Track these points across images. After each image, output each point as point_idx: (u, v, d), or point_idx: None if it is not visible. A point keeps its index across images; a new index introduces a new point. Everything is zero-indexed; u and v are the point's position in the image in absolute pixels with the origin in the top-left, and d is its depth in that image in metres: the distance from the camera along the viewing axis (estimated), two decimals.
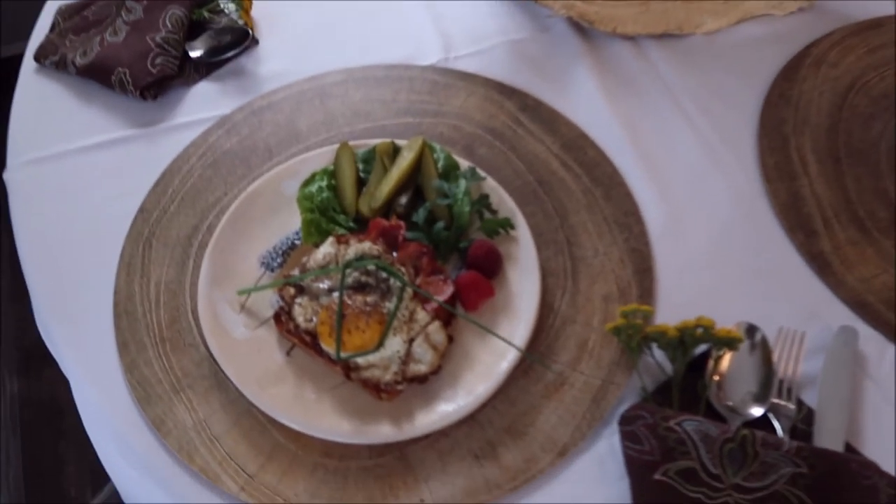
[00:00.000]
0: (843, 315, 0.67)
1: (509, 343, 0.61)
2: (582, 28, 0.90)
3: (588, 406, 0.61)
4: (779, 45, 0.89)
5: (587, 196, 0.75)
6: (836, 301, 0.68)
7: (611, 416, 0.61)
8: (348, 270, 0.63)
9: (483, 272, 0.66)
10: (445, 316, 0.63)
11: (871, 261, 0.70)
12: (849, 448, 0.59)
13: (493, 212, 0.70)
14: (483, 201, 0.69)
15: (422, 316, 0.62)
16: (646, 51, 0.89)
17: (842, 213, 0.74)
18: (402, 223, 0.66)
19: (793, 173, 0.77)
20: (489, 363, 0.62)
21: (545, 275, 0.69)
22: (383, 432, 0.59)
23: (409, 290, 0.62)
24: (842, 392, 0.61)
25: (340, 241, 0.66)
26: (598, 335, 0.65)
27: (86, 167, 0.78)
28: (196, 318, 0.66)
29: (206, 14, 0.89)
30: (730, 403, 0.60)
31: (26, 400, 1.58)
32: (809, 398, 0.62)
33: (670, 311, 0.67)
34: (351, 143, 0.75)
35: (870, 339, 0.66)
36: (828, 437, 0.58)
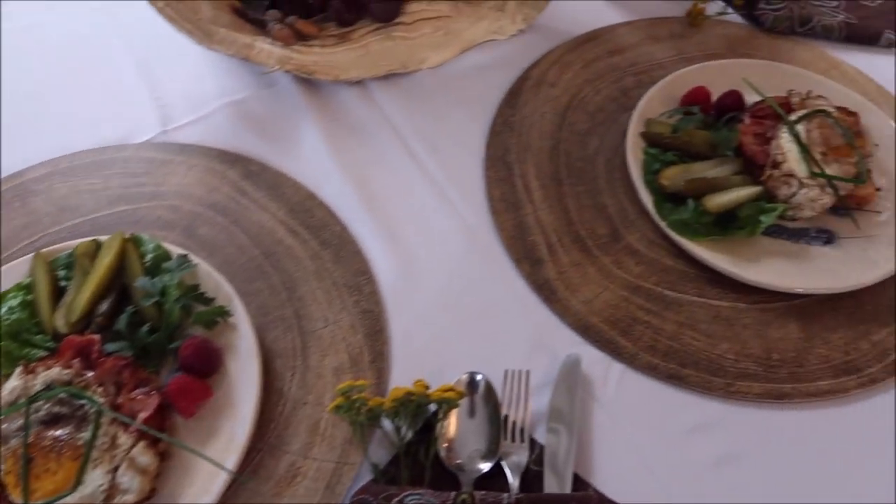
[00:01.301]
0: (570, 341, 0.69)
1: (217, 465, 0.57)
2: (306, 80, 0.87)
3: (322, 494, 0.59)
4: (503, 70, 0.91)
5: (316, 262, 0.72)
6: (564, 327, 0.69)
7: (347, 500, 0.59)
8: (37, 403, 0.57)
9: (197, 372, 0.62)
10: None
11: (593, 280, 0.72)
12: (577, 479, 0.60)
13: (208, 301, 0.66)
14: (192, 292, 0.65)
15: (124, 439, 0.57)
16: (372, 94, 0.88)
17: (564, 235, 0.75)
18: (95, 337, 0.61)
19: (518, 202, 0.78)
20: (210, 476, 0.58)
21: (273, 357, 0.66)
22: None
23: (106, 414, 0.57)
24: (568, 424, 0.62)
25: (28, 370, 0.60)
26: (330, 414, 0.63)
27: None
28: None
29: None
30: (459, 462, 0.59)
31: None
32: (542, 435, 0.62)
33: (405, 370, 0.66)
34: (50, 248, 0.69)
35: (596, 361, 0.67)
36: (556, 474, 0.59)
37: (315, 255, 0.73)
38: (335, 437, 0.62)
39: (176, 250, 0.69)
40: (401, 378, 0.65)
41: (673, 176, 0.76)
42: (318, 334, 0.67)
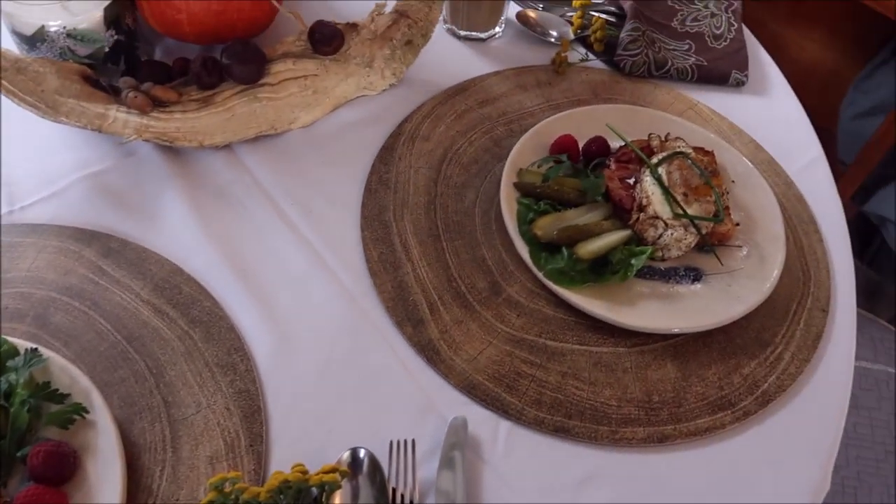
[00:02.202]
0: (457, 401, 0.68)
1: None
2: (170, 147, 0.83)
3: None
4: (376, 126, 0.90)
5: (185, 342, 0.68)
6: (450, 388, 0.68)
7: None
8: None
9: (51, 481, 0.56)
10: None
11: (475, 336, 0.72)
12: None
13: (62, 398, 0.60)
14: (43, 391, 0.60)
15: None
16: (241, 157, 0.85)
17: (445, 293, 0.75)
18: None
19: (397, 262, 0.77)
20: None
21: (140, 452, 0.61)
22: None
23: None
24: (456, 489, 0.60)
25: None
26: None
27: None
28: None
29: None
30: None
31: None
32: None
33: (286, 451, 0.63)
34: None
35: (483, 420, 0.67)
36: None
37: (184, 334, 0.69)
38: None
39: (24, 344, 0.63)
40: (281, 460, 0.62)
41: (546, 225, 0.77)
42: (189, 421, 0.63)
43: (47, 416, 0.59)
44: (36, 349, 0.62)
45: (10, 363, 0.61)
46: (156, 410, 0.64)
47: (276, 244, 0.77)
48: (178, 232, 0.77)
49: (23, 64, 0.78)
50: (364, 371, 0.69)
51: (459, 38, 1.04)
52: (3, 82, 0.75)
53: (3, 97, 0.74)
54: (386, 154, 0.87)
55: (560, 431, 0.66)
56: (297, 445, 0.63)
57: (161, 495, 0.59)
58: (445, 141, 0.90)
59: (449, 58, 1.01)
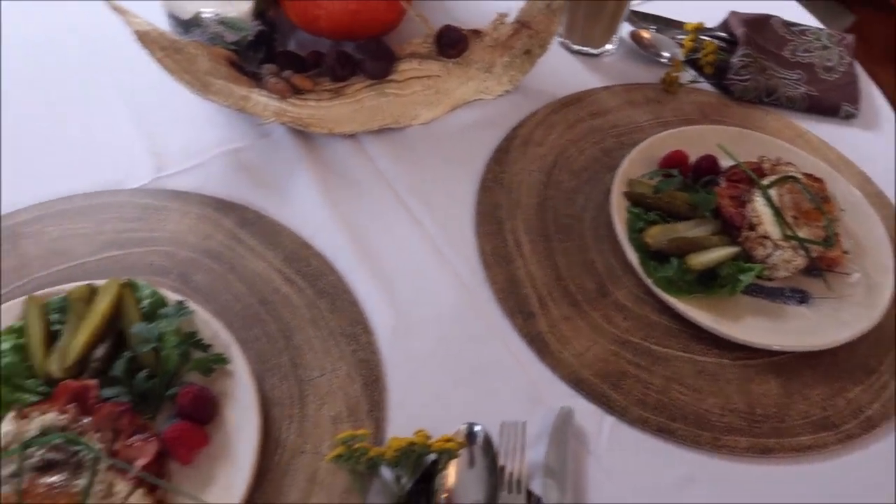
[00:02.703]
0: (563, 393, 0.70)
1: None
2: (301, 131, 0.89)
3: None
4: (491, 128, 0.94)
5: (312, 310, 0.73)
6: (557, 380, 0.71)
7: None
8: (30, 450, 0.56)
9: (195, 419, 0.61)
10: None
11: (583, 334, 0.74)
12: None
13: (206, 347, 0.66)
14: (191, 339, 0.65)
15: (121, 487, 0.56)
16: (365, 147, 0.90)
17: (554, 290, 0.78)
18: (91, 382, 0.60)
19: (509, 256, 0.80)
20: None
21: (270, 405, 0.66)
22: None
23: (103, 462, 0.56)
24: (563, 475, 0.63)
25: (22, 415, 0.58)
26: (328, 463, 0.63)
27: None
28: None
29: None
30: None
31: None
32: (538, 486, 0.63)
33: (402, 420, 0.67)
34: (43, 291, 0.68)
35: (588, 413, 0.69)
36: None
37: (311, 303, 0.73)
38: (334, 487, 0.62)
39: (172, 296, 0.69)
40: (397, 429, 0.66)
41: (656, 234, 0.79)
42: (315, 383, 0.68)
43: (193, 362, 0.64)
44: (183, 302, 0.68)
45: (160, 311, 0.67)
46: (285, 369, 0.68)
47: (396, 229, 0.82)
48: (307, 210, 0.82)
49: (180, 45, 0.84)
50: (476, 355, 0.72)
51: (572, 52, 1.08)
52: (166, 59, 0.81)
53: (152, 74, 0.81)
54: (500, 155, 0.91)
55: (663, 432, 0.68)
56: (412, 416, 0.67)
57: (289, 446, 0.64)
58: (557, 148, 0.93)
59: (561, 70, 1.05)
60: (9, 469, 0.56)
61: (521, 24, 0.97)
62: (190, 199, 0.81)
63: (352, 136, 0.90)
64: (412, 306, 0.75)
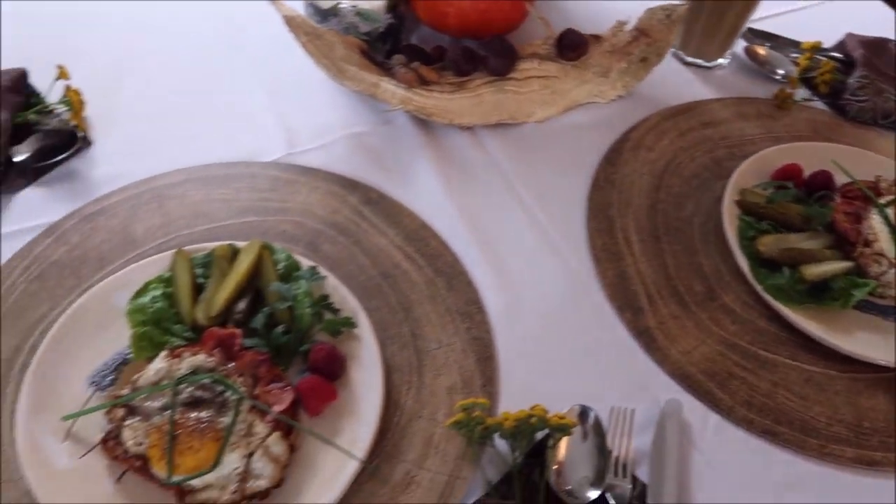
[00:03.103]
0: (669, 387, 0.72)
1: (348, 454, 0.60)
2: (421, 120, 0.93)
3: None
4: (603, 130, 0.97)
5: (430, 287, 0.77)
6: (663, 374, 0.73)
7: None
8: (181, 386, 0.61)
9: (325, 375, 0.65)
10: (286, 425, 0.62)
11: (691, 333, 0.76)
12: None
13: (335, 311, 0.70)
14: (324, 301, 0.69)
15: (260, 428, 0.60)
16: (482, 140, 0.93)
17: (663, 288, 0.79)
18: (237, 331, 0.65)
19: (619, 253, 0.82)
20: (333, 471, 0.61)
21: (391, 371, 0.69)
22: None
23: (245, 403, 0.61)
24: (670, 465, 0.65)
25: (173, 354, 0.64)
26: (443, 429, 0.66)
27: None
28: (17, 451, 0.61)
29: (32, 116, 0.86)
30: (568, 488, 0.62)
31: None
32: (643, 473, 0.65)
33: (512, 397, 0.69)
34: (189, 247, 0.73)
35: (693, 408, 0.70)
36: None
37: (430, 281, 0.77)
38: (448, 452, 0.65)
39: (305, 262, 0.73)
40: (507, 404, 0.69)
41: (769, 243, 0.80)
42: (432, 354, 0.71)
43: (325, 323, 0.69)
44: (315, 267, 0.72)
45: (295, 274, 0.72)
46: (405, 339, 0.72)
47: (510, 219, 0.85)
48: (426, 194, 0.86)
49: (320, 32, 0.90)
50: (583, 342, 0.75)
51: (685, 63, 1.09)
52: (309, 44, 0.87)
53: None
54: (613, 156, 0.93)
55: (768, 434, 0.69)
56: (522, 394, 0.69)
57: (407, 410, 0.67)
58: (668, 154, 0.95)
59: (672, 80, 1.07)
60: (160, 402, 0.61)
61: (640, 31, 0.99)
62: (318, 175, 0.86)
63: (469, 128, 0.94)
64: (523, 291, 0.78)
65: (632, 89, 1.02)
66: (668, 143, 0.96)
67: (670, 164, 0.93)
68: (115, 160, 0.86)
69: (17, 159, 0.82)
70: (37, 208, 0.80)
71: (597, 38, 1.00)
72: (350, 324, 0.69)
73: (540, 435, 0.65)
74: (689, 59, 1.09)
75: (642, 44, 0.99)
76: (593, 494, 0.62)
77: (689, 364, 0.73)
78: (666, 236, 0.85)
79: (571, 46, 0.97)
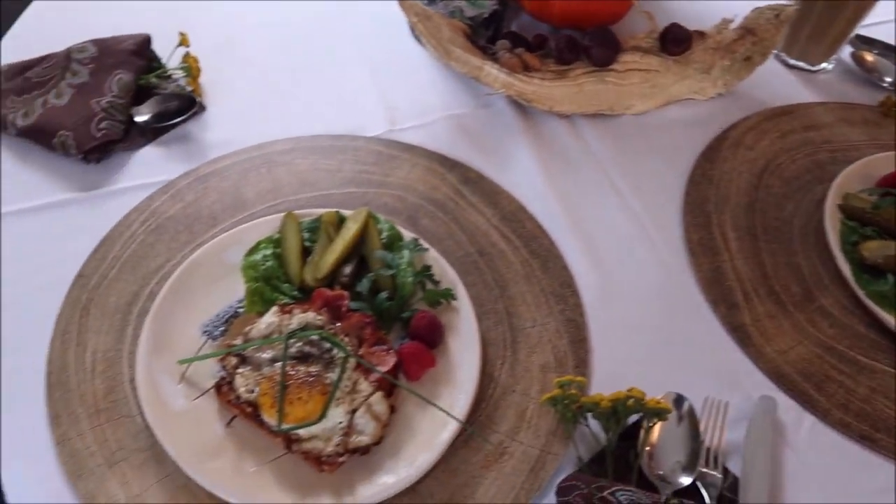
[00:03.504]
0: (762, 385, 0.71)
1: (451, 416, 0.62)
2: (520, 105, 0.94)
3: (526, 476, 0.63)
4: (700, 127, 0.96)
5: (525, 267, 0.78)
6: (757, 371, 0.72)
7: (548, 487, 0.63)
8: (291, 340, 0.63)
9: (425, 342, 0.67)
10: (388, 386, 0.64)
11: (787, 333, 0.75)
12: None
13: (436, 282, 0.72)
14: (426, 272, 0.71)
15: (364, 386, 0.63)
16: (580, 129, 0.94)
17: (760, 287, 0.79)
18: (345, 293, 0.68)
19: (715, 249, 0.82)
20: (430, 433, 0.63)
21: (485, 344, 0.71)
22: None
23: (351, 361, 0.63)
24: (764, 461, 0.64)
25: (284, 310, 0.66)
26: (536, 405, 0.67)
27: (24, 231, 0.76)
28: (134, 389, 0.65)
29: (153, 80, 0.90)
30: (660, 472, 0.62)
31: None
32: (733, 466, 0.65)
33: (603, 380, 0.70)
34: (296, 212, 0.76)
35: (788, 408, 0.70)
36: None
37: (525, 261, 0.78)
38: (540, 427, 0.66)
39: (407, 234, 0.75)
40: (598, 387, 0.69)
41: (874, 249, 0.78)
42: (526, 332, 0.72)
43: (427, 293, 0.71)
44: (418, 239, 0.74)
45: (398, 244, 0.74)
46: (499, 315, 0.73)
47: (605, 207, 0.85)
48: (523, 178, 0.87)
49: (429, 13, 0.92)
50: (676, 332, 0.75)
51: (787, 65, 1.08)
52: (419, 24, 0.89)
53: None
54: (711, 153, 0.92)
55: (865, 440, 0.68)
56: (614, 378, 0.70)
57: (501, 384, 0.69)
58: (768, 154, 0.93)
59: (774, 81, 1.05)
60: (269, 354, 0.64)
61: (747, 30, 0.98)
62: (418, 152, 0.88)
63: (567, 116, 0.95)
64: (617, 278, 0.78)
65: (732, 88, 1.01)
66: (768, 143, 0.95)
67: (770, 165, 0.92)
68: (226, 125, 0.89)
69: (138, 119, 0.86)
70: (154, 166, 0.84)
71: (701, 34, 0.99)
72: (450, 295, 0.71)
73: (632, 420, 0.65)
74: (793, 62, 1.07)
75: (748, 43, 0.98)
76: (686, 480, 0.62)
77: (784, 363, 0.72)
78: (764, 235, 0.84)
79: (676, 41, 0.97)
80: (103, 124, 0.82)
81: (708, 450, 0.65)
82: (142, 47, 0.90)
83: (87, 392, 0.65)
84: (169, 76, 0.91)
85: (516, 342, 0.72)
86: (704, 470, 0.63)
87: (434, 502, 0.61)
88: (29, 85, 0.87)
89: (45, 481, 0.60)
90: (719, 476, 0.63)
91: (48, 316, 0.70)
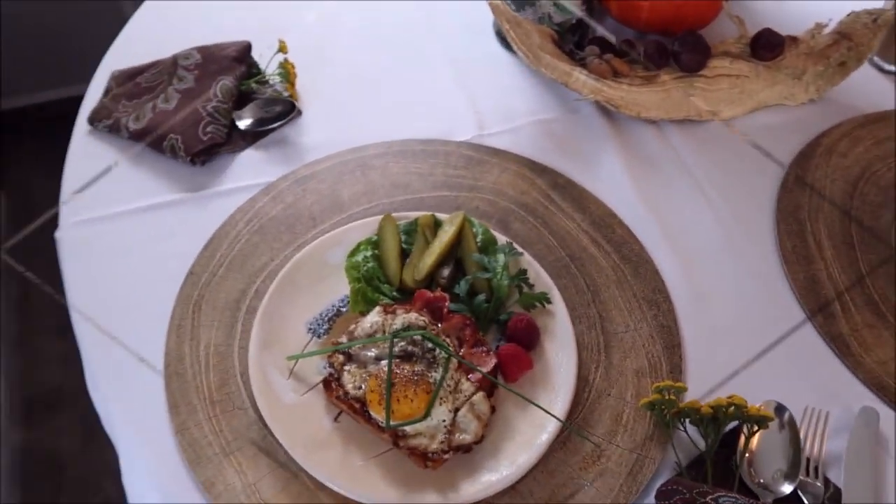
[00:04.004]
0: (863, 395, 0.71)
1: (552, 415, 0.64)
2: (608, 111, 0.95)
3: (624, 479, 0.64)
4: (791, 133, 0.95)
5: (616, 272, 0.78)
6: (856, 382, 0.71)
7: (646, 491, 0.63)
8: (395, 340, 0.66)
9: (522, 345, 0.69)
10: (488, 387, 0.65)
11: (887, 344, 0.74)
12: None
13: (531, 286, 0.73)
14: (521, 276, 0.73)
15: (466, 386, 0.64)
16: (667, 134, 0.94)
17: (857, 296, 0.78)
18: (446, 295, 0.70)
19: (810, 257, 0.81)
20: (529, 434, 0.64)
21: (579, 348, 0.72)
22: (429, 501, 0.61)
23: (453, 361, 0.65)
24: (866, 472, 0.64)
25: (387, 310, 0.69)
26: (631, 409, 0.68)
27: (137, 229, 0.81)
28: (245, 382, 0.68)
29: (253, 85, 0.94)
30: (761, 480, 0.62)
31: (27, 451, 1.56)
32: (834, 477, 0.64)
33: (697, 387, 0.70)
34: (396, 214, 0.79)
35: (890, 420, 0.69)
36: None
37: (616, 266, 0.79)
38: (636, 432, 0.67)
39: (501, 237, 0.77)
40: (693, 393, 0.70)
41: None
42: (619, 337, 0.73)
43: (523, 296, 0.72)
44: (512, 243, 0.76)
45: (494, 247, 0.75)
46: (592, 319, 0.74)
47: (695, 213, 0.85)
48: (611, 183, 0.87)
49: (519, 20, 0.93)
50: (771, 340, 0.74)
51: (883, 71, 1.05)
52: (510, 31, 0.90)
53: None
54: (803, 160, 0.91)
55: None
56: (708, 384, 0.70)
57: (596, 387, 0.70)
58: (863, 162, 0.92)
59: (867, 87, 1.03)
60: (374, 352, 0.66)
61: (842, 35, 0.96)
62: (508, 157, 0.90)
63: (654, 122, 0.95)
64: (709, 284, 0.79)
65: (824, 93, 0.99)
66: (863, 150, 0.93)
67: (865, 172, 0.90)
68: (321, 129, 0.92)
69: (240, 124, 0.90)
70: (256, 169, 0.87)
71: (794, 39, 0.98)
72: (546, 299, 0.72)
73: (731, 425, 0.65)
74: (889, 68, 1.05)
75: (843, 47, 0.96)
76: (787, 489, 0.62)
77: (885, 374, 0.71)
78: (861, 245, 0.83)
79: (768, 47, 0.96)
80: (209, 128, 0.86)
81: (808, 459, 0.65)
82: (243, 54, 0.94)
83: (201, 384, 0.68)
84: (267, 81, 0.95)
85: (609, 346, 0.72)
86: (806, 479, 0.63)
87: (534, 501, 0.62)
88: (139, 90, 0.92)
89: (166, 466, 0.64)
90: (820, 486, 0.63)
91: (164, 310, 0.74)
